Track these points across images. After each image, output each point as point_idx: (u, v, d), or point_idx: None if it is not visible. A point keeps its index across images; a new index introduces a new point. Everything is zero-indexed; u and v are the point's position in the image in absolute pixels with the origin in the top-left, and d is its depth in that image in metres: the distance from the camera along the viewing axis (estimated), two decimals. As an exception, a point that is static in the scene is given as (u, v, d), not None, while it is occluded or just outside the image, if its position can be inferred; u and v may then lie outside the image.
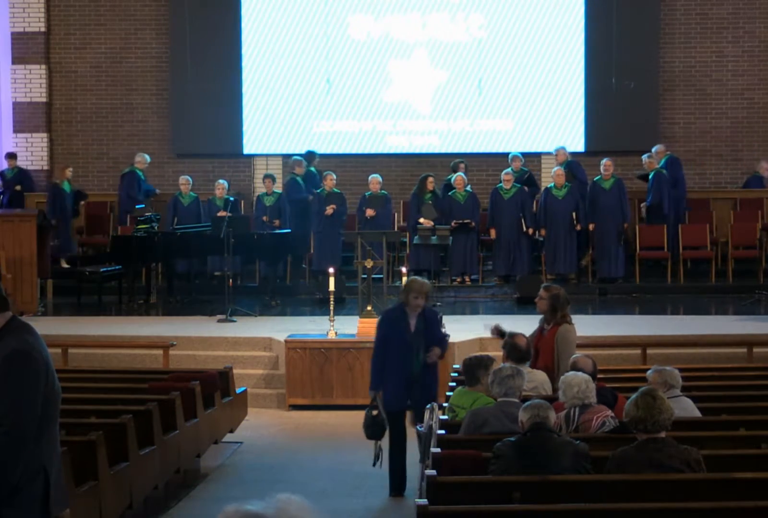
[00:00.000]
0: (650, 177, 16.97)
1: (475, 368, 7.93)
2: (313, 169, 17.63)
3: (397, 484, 8.80)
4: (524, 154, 17.79)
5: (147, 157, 18.13)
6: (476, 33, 18.53)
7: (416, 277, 9.46)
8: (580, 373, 7.33)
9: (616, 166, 17.20)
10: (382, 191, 16.92)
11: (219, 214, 15.93)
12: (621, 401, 7.70)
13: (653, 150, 17.34)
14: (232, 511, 2.57)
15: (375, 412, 8.85)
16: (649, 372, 7.77)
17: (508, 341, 8.35)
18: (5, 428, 4.54)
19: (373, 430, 8.88)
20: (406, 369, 8.81)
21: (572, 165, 17.27)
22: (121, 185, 17.91)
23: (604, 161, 16.91)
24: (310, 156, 17.73)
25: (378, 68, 18.64)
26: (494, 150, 18.58)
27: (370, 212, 16.64)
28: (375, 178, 16.92)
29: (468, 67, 18.56)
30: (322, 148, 18.64)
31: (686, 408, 7.71)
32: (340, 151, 18.74)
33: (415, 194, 16.83)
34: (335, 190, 16.97)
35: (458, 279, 16.70)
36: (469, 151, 18.52)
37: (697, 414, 7.80)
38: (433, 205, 16.58)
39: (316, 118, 18.76)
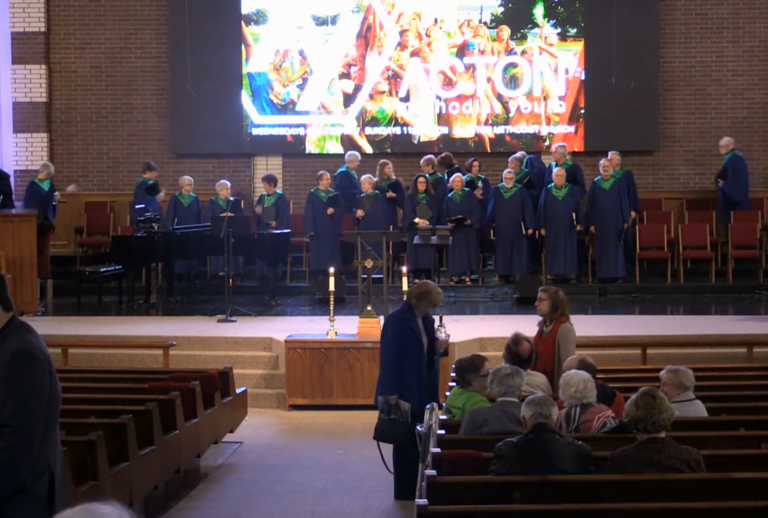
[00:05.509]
0: None
1: (465, 371, 7.98)
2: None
3: (409, 486, 8.29)
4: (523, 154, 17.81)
5: (359, 154, 17.80)
6: (475, 33, 18.52)
7: (433, 285, 9.06)
8: (581, 372, 7.32)
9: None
10: (375, 191, 16.89)
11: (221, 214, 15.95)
12: (619, 398, 7.69)
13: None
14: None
15: (394, 416, 8.60)
16: (662, 372, 7.65)
17: (512, 348, 8.30)
18: (13, 428, 4.53)
19: (391, 433, 8.61)
20: (422, 369, 8.82)
21: (573, 168, 17.24)
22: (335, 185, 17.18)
23: (608, 155, 16.94)
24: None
25: (379, 68, 18.65)
26: (494, 150, 18.59)
27: (360, 213, 16.64)
28: (367, 178, 16.89)
29: (467, 67, 18.56)
30: (320, 148, 18.64)
31: (699, 412, 7.65)
32: (340, 151, 18.72)
33: (410, 195, 16.82)
34: (330, 189, 16.96)
35: (455, 279, 16.67)
36: (468, 150, 18.50)
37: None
38: (428, 204, 16.52)
39: (315, 118, 18.76)
